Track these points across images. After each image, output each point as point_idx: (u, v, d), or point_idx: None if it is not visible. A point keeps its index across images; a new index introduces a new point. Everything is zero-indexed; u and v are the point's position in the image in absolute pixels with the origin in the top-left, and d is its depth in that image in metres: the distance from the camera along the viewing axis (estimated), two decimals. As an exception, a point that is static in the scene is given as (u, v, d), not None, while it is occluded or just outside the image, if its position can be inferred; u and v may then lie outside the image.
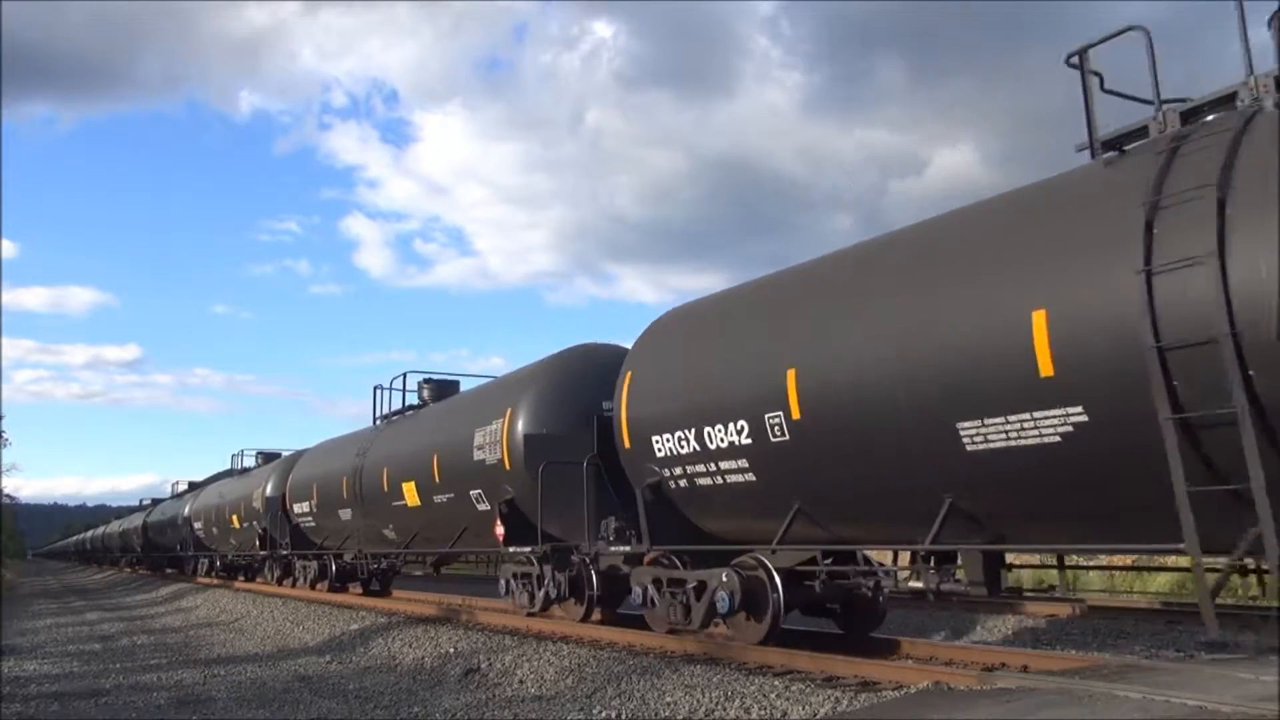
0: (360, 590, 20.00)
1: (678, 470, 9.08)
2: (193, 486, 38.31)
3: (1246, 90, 5.33)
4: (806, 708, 6.61)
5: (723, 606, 8.81)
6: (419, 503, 14.85)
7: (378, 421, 17.85)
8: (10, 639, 15.89)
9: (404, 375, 17.02)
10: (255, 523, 24.44)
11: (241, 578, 27.37)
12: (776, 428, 7.74)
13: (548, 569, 11.70)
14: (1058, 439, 5.73)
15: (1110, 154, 6.07)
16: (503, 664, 9.61)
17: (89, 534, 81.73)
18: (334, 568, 20.19)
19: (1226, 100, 5.48)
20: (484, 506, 12.85)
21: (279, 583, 23.61)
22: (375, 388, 17.68)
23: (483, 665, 9.75)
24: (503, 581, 13.02)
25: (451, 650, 10.84)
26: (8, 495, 62.36)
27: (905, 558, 8.20)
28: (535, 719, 7.54)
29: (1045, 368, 5.68)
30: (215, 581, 27.37)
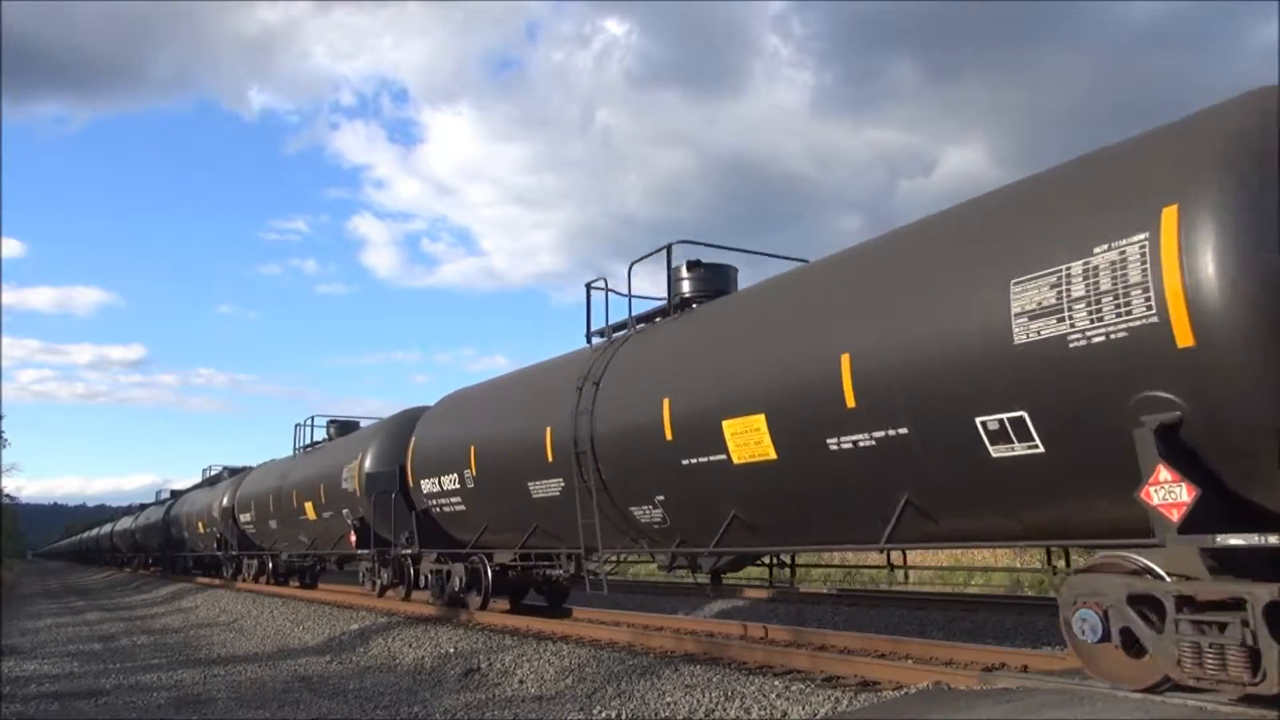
0: (298, 584, 25.30)
1: (434, 501, 14.38)
2: (174, 495, 43.84)
3: (630, 324, 10.68)
4: (806, 708, 6.65)
5: (456, 586, 14.16)
6: (315, 518, 20.16)
7: (297, 452, 23.22)
8: (10, 639, 16.13)
9: (312, 418, 22.41)
10: (215, 528, 29.86)
11: (211, 573, 32.80)
12: (468, 480, 13.05)
13: (379, 565, 17.08)
14: (557, 493, 11.05)
15: (597, 340, 11.41)
16: (503, 664, 9.87)
17: (86, 535, 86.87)
18: (271, 565, 25.66)
19: (623, 325, 10.86)
20: (350, 522, 18.18)
21: (233, 577, 29.00)
22: (296, 425, 23.09)
23: (483, 665, 9.98)
24: (360, 574, 18.42)
25: (451, 650, 11.09)
26: (8, 495, 65.14)
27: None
28: (535, 719, 7.60)
29: (549, 456, 10.99)
30: (216, 582, 30.28)
